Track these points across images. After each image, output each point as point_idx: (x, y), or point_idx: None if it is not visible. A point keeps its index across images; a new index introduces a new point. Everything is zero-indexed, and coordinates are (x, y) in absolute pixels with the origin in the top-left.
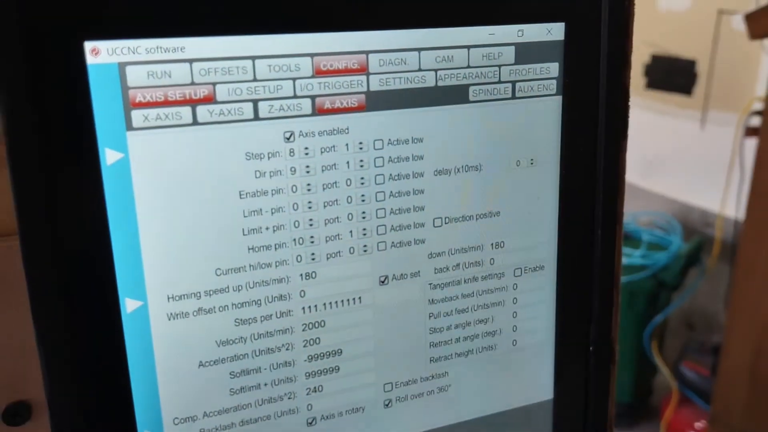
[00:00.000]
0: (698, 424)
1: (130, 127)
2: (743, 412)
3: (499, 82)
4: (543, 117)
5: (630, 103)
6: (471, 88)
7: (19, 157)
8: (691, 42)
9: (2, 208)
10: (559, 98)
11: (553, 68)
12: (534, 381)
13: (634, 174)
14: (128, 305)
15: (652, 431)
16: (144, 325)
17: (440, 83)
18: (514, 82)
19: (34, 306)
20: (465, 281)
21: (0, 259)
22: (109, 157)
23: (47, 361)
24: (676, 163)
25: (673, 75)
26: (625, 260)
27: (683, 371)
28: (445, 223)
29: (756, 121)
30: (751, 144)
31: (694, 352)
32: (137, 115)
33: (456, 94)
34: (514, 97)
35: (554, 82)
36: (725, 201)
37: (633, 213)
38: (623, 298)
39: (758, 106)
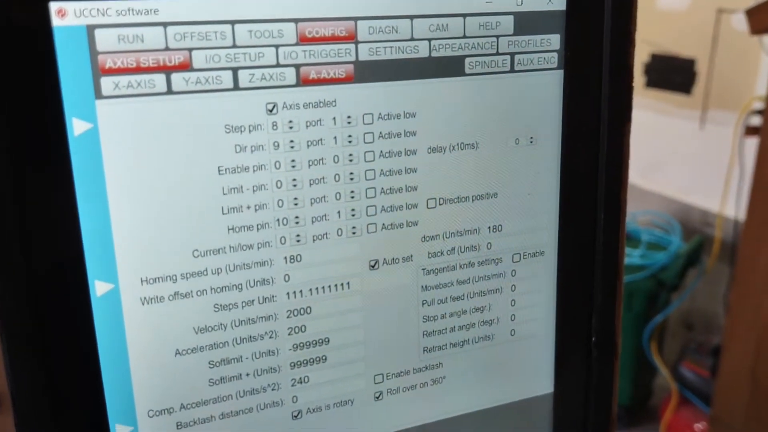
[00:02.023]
0: (698, 426)
1: (99, 95)
2: (744, 413)
3: (497, 53)
4: (543, 92)
5: None
6: (467, 60)
7: None
8: (691, 41)
9: None
10: (560, 73)
11: (554, 40)
12: (533, 373)
13: (633, 173)
14: (98, 288)
15: None
16: (115, 310)
17: (434, 54)
18: (512, 54)
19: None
20: (460, 267)
21: None
22: (76, 127)
23: (10, 349)
24: (675, 162)
25: (673, 74)
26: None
27: (683, 372)
28: (440, 205)
29: (756, 121)
30: (751, 143)
31: (693, 353)
32: (107, 82)
33: (451, 66)
34: (512, 70)
35: (555, 55)
36: (725, 201)
37: (632, 213)
38: (622, 299)
39: (758, 105)
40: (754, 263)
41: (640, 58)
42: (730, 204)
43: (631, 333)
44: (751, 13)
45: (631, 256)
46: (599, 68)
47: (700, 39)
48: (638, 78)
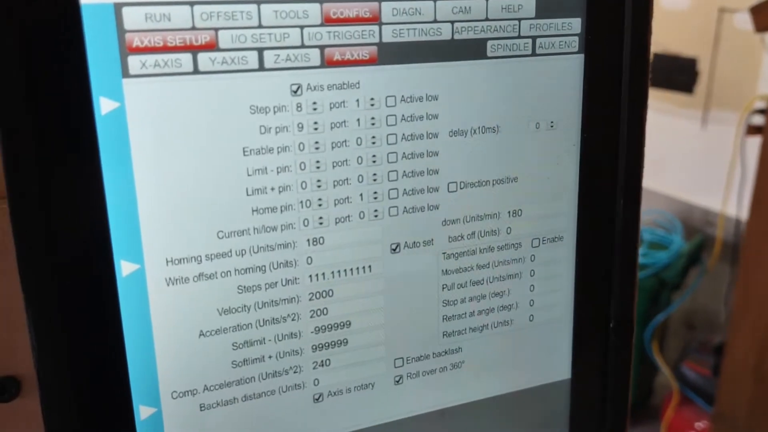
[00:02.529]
0: (699, 425)
1: (126, 74)
2: (747, 410)
3: (519, 37)
4: (564, 76)
5: None
6: (489, 43)
7: (6, 106)
8: (693, 40)
9: None
10: (581, 57)
11: (576, 24)
12: (551, 359)
13: None
14: (124, 268)
15: (653, 431)
16: (141, 291)
17: (456, 36)
18: (534, 38)
19: (22, 270)
20: (480, 251)
21: None
22: (103, 106)
23: (36, 330)
24: (677, 161)
25: (675, 73)
26: None
27: (684, 371)
28: (460, 188)
29: (758, 120)
30: (753, 143)
31: (695, 352)
32: (134, 61)
33: (473, 49)
34: (534, 53)
35: (576, 39)
36: (726, 200)
37: None
38: None
39: (760, 104)
40: (757, 261)
41: None
42: (731, 203)
43: None
44: (756, 11)
45: None
46: (620, 53)
47: (702, 38)
48: None
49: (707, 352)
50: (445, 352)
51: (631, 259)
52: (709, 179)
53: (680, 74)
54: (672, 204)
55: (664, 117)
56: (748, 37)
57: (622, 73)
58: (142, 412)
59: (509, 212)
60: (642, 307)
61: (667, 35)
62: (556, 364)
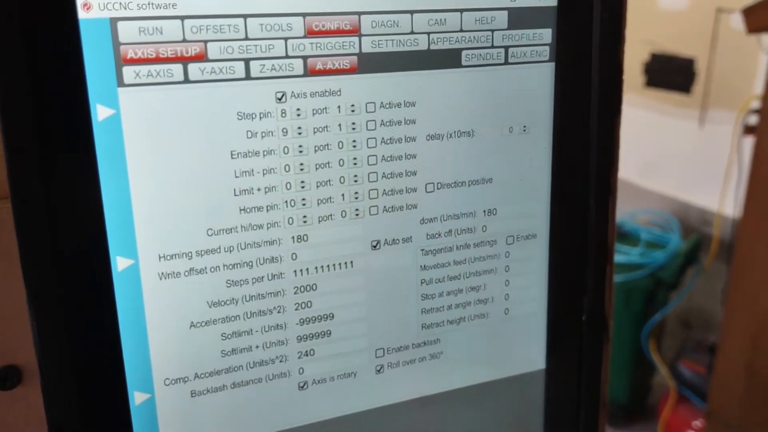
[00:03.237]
0: (696, 423)
1: (121, 83)
2: (739, 407)
3: (492, 47)
4: (536, 83)
5: (628, 102)
6: (464, 53)
7: (9, 113)
8: (690, 40)
9: None
10: (552, 65)
11: (546, 34)
12: (526, 350)
13: (632, 172)
14: (119, 264)
15: (650, 430)
16: (135, 285)
17: (433, 47)
18: (506, 48)
19: (24, 265)
20: (457, 248)
21: None
22: (100, 113)
23: (38, 322)
24: (674, 161)
25: (672, 73)
26: (623, 258)
27: (681, 370)
28: (438, 189)
29: (755, 120)
30: (750, 142)
31: (691, 351)
32: (128, 72)
33: (448, 58)
34: (506, 62)
35: (547, 48)
36: (723, 199)
37: (631, 212)
38: (621, 297)
39: (757, 104)
40: (750, 259)
41: (640, 57)
42: (728, 203)
43: (630, 331)
44: (747, 13)
45: (630, 254)
46: (589, 62)
47: (700, 38)
48: (638, 77)
49: (704, 350)
50: (424, 343)
51: (602, 257)
52: (707, 179)
53: (678, 74)
54: (669, 203)
55: (662, 117)
56: (745, 37)
57: (591, 79)
58: (137, 398)
59: (485, 211)
60: (639, 307)
61: (664, 35)
62: (531, 355)
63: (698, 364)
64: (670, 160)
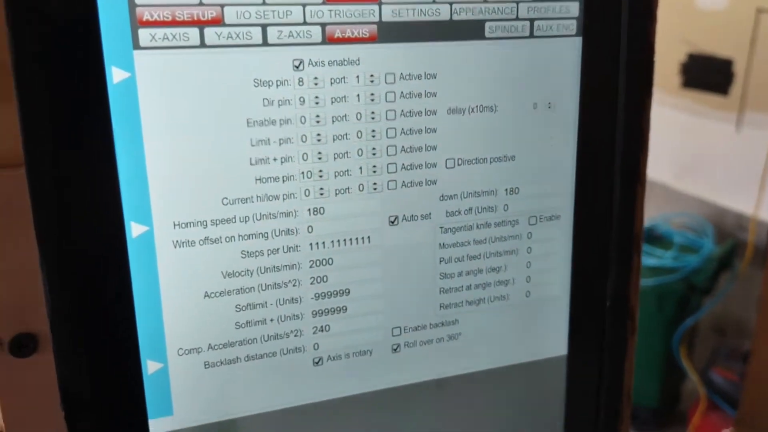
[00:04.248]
0: (726, 431)
1: (137, 45)
2: None
3: (517, 18)
4: (562, 59)
5: (664, 103)
6: (487, 24)
7: (25, 75)
8: (729, 41)
9: (8, 138)
10: (579, 40)
11: (573, 8)
12: (548, 335)
13: (667, 175)
14: (134, 230)
15: None
16: (149, 252)
17: (455, 17)
18: (532, 20)
19: (38, 230)
20: (477, 226)
21: (5, 190)
22: (115, 75)
23: (51, 288)
24: (710, 164)
25: (710, 74)
26: (655, 262)
27: (712, 377)
28: (458, 165)
29: None
30: None
31: (724, 358)
32: (144, 34)
33: (471, 30)
34: (532, 35)
35: (574, 22)
36: (760, 204)
37: (665, 215)
38: (653, 301)
39: None
40: None
41: (677, 57)
42: (765, 208)
43: (661, 336)
44: None
45: (663, 258)
46: (618, 38)
47: (739, 39)
48: (674, 78)
49: (737, 358)
50: (442, 324)
51: (628, 241)
52: (743, 183)
53: (715, 75)
54: (704, 207)
55: (698, 119)
56: None
57: (619, 56)
58: (150, 367)
59: (506, 190)
60: (671, 311)
61: (702, 36)
62: (552, 340)
63: (731, 372)
64: (705, 163)
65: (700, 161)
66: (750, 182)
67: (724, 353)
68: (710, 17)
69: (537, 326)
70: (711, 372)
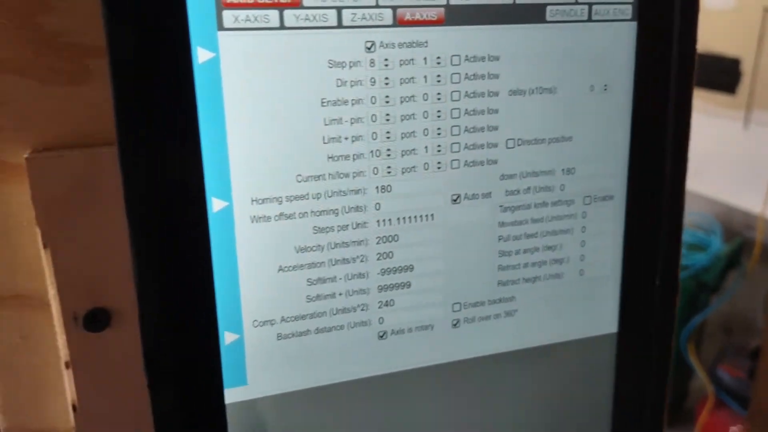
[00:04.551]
0: (733, 429)
1: (221, 27)
2: None
3: (576, 3)
4: (618, 42)
5: None
6: (548, 8)
7: (117, 55)
8: (736, 40)
9: (86, 118)
10: (634, 24)
11: None
12: (599, 312)
13: None
14: (214, 205)
15: None
16: (228, 226)
17: (518, 1)
18: (590, 4)
19: (128, 207)
20: (535, 206)
21: (85, 168)
22: (201, 55)
23: (138, 262)
24: (717, 163)
25: (717, 73)
26: None
27: (720, 374)
28: (518, 145)
29: None
30: None
31: (731, 356)
32: (228, 16)
33: (533, 13)
34: (590, 19)
35: (630, 7)
36: (767, 203)
37: None
38: None
39: None
40: None
41: None
42: None
43: None
44: None
45: None
46: (670, 24)
47: (746, 38)
48: None
49: (744, 355)
50: (500, 300)
51: (677, 221)
52: (750, 181)
53: (723, 74)
54: (712, 206)
55: (706, 117)
56: None
57: (672, 40)
58: (227, 338)
59: (563, 170)
60: (679, 309)
61: (710, 35)
62: (603, 318)
63: (738, 369)
64: (713, 162)
65: (708, 160)
66: (758, 181)
67: (731, 351)
68: (718, 16)
69: (589, 304)
70: (718, 369)
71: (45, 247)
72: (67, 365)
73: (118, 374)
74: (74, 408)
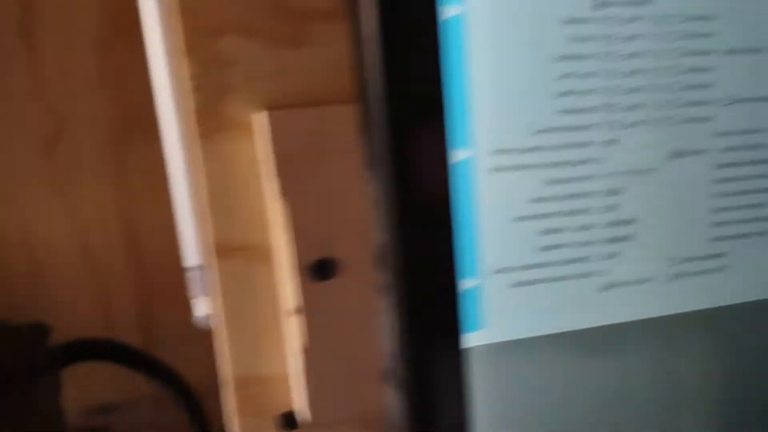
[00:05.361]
0: None
1: None
2: None
3: None
4: None
5: None
6: None
7: (367, 12)
8: None
9: (308, 79)
10: None
11: None
12: None
13: None
14: (458, 154)
15: None
16: (469, 176)
17: None
18: None
19: (378, 161)
20: (752, 163)
21: (312, 126)
22: (450, 11)
23: (389, 212)
24: None
25: None
26: None
27: None
28: (734, 103)
29: None
30: None
31: None
32: None
33: None
34: None
35: None
36: None
37: None
38: None
39: None
40: None
41: None
42: None
43: None
44: None
45: None
46: None
47: None
48: None
49: None
50: (714, 256)
51: None
52: None
53: None
54: None
55: None
56: None
57: None
58: (466, 284)
59: None
60: None
61: None
62: None
63: None
64: None
65: None
66: None
67: None
68: None
69: None
70: None
71: (283, 197)
72: (297, 311)
73: (344, 320)
74: (304, 352)
